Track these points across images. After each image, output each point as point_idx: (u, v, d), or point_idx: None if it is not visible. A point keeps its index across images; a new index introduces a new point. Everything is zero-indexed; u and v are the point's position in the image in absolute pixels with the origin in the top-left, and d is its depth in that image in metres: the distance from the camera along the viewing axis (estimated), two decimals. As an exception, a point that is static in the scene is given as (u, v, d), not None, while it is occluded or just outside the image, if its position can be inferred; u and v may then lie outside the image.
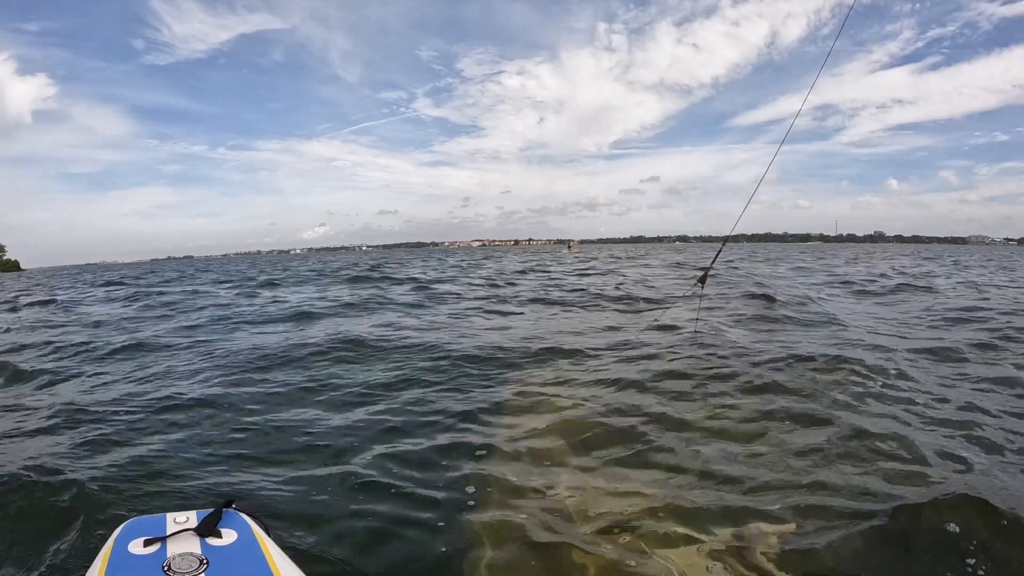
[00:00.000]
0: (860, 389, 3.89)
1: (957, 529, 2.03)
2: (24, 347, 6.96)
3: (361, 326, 7.37)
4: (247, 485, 2.67)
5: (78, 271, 57.15)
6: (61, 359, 6.12)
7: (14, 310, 12.54)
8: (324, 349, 5.71)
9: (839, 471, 2.67)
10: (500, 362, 5.08)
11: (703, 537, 2.15)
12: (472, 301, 10.56)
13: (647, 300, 9.84)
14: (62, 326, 8.98)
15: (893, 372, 4.40)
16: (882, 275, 15.31)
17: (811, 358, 4.66)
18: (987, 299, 9.62)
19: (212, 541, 1.07)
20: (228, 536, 1.11)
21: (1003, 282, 13.83)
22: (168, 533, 1.08)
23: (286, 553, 1.08)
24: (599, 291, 11.49)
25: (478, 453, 3.04)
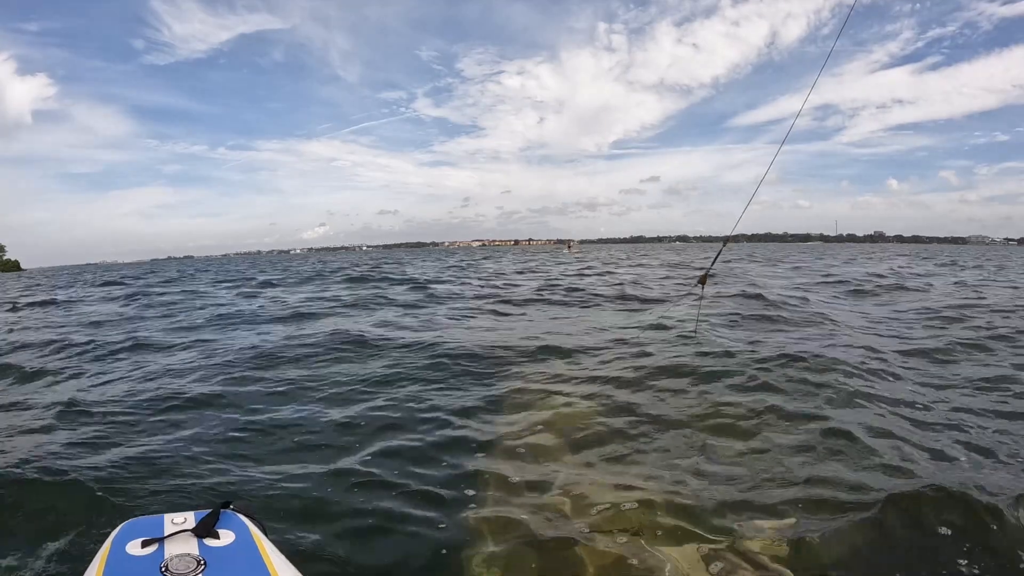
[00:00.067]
0: (851, 388, 3.93)
1: (946, 523, 2.11)
2: (24, 347, 6.98)
3: (361, 325, 7.39)
4: (247, 484, 2.69)
5: (78, 271, 57.12)
6: (61, 359, 6.14)
7: (14, 310, 12.56)
8: (323, 348, 5.74)
9: (831, 468, 2.71)
10: (499, 361, 5.11)
11: (701, 532, 2.18)
12: (472, 301, 10.59)
13: (646, 300, 9.87)
14: (62, 326, 9.01)
15: (883, 372, 4.45)
16: (878, 275, 15.34)
17: (804, 358, 4.70)
18: (982, 299, 9.66)
19: (210, 542, 1.08)
20: (226, 537, 1.11)
21: (999, 282, 13.87)
22: (166, 534, 1.08)
23: (284, 554, 1.09)
24: (598, 291, 11.52)
25: (477, 451, 3.07)
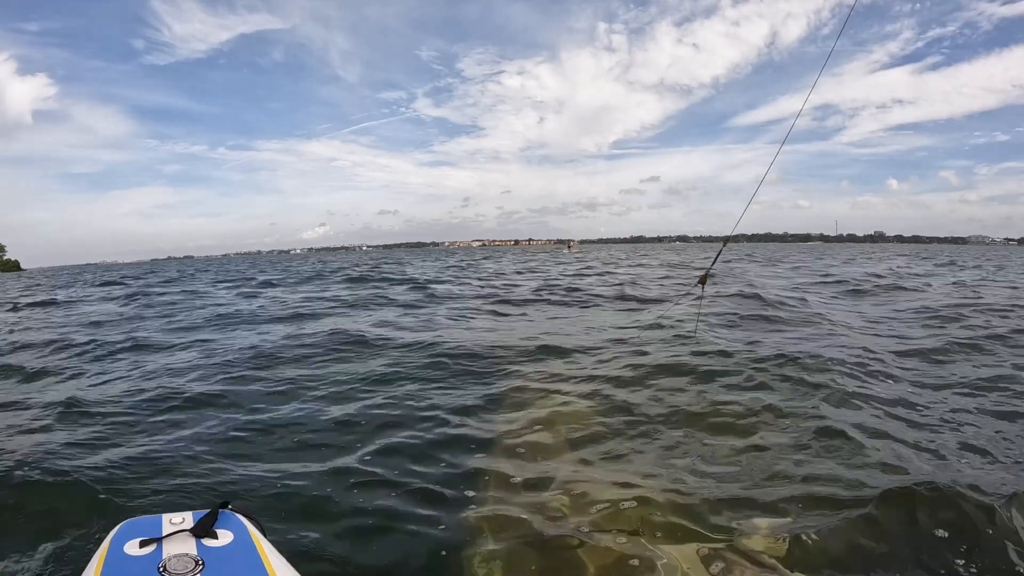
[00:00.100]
0: (848, 388, 3.94)
1: (941, 521, 2.13)
2: (25, 347, 6.99)
3: (360, 325, 7.40)
4: (246, 483, 2.70)
5: (78, 271, 57.11)
6: (61, 359, 6.15)
7: (15, 310, 12.57)
8: (323, 348, 5.75)
9: (828, 466, 2.73)
10: (499, 360, 5.11)
11: (700, 530, 2.19)
12: (471, 301, 10.59)
13: (645, 300, 9.88)
14: (62, 326, 9.02)
15: (880, 371, 4.47)
16: (876, 275, 15.35)
17: (801, 358, 4.72)
18: (980, 299, 9.67)
19: (208, 542, 1.07)
20: (224, 537, 1.10)
21: (997, 282, 13.88)
22: (164, 534, 1.08)
23: (283, 553, 1.09)
24: (598, 291, 11.53)
25: (477, 450, 3.08)
